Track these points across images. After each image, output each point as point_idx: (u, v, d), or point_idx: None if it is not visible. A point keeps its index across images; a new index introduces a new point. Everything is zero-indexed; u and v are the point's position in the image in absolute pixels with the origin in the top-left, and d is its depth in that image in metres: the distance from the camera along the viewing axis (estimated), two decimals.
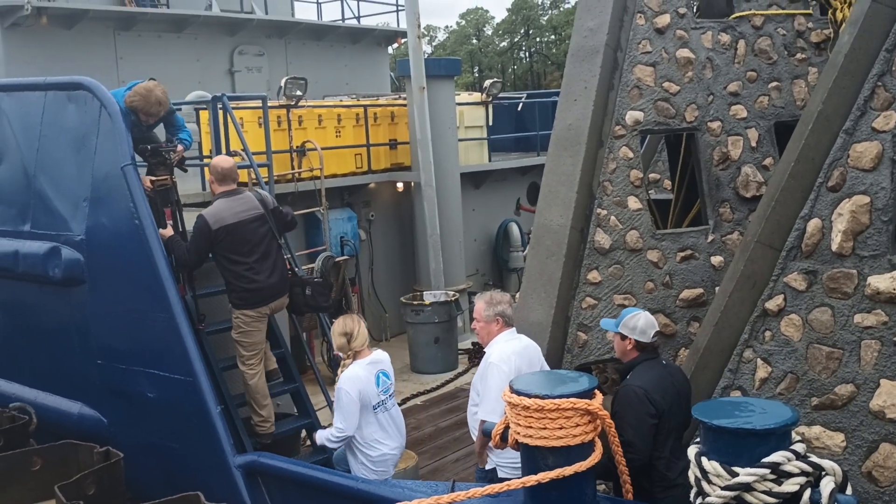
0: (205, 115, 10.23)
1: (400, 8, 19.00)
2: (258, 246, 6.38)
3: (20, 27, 12.94)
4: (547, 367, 5.64)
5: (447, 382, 11.07)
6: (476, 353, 12.06)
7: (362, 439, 5.73)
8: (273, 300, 6.49)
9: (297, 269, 6.98)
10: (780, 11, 6.82)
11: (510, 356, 5.27)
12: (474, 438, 5.34)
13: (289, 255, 7.06)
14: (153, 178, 6.47)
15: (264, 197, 6.64)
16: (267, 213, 6.51)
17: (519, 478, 5.12)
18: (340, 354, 5.86)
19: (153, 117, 6.66)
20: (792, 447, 3.60)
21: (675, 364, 5.68)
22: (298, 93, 11.52)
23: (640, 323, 5.11)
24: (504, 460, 5.17)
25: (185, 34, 14.82)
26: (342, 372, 5.77)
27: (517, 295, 6.97)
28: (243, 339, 6.44)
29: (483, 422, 5.16)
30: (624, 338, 5.16)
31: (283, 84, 11.54)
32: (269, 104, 9.88)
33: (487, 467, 5.31)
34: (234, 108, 8.33)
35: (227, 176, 6.52)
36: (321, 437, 5.84)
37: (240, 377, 6.56)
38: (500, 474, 5.18)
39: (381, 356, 5.96)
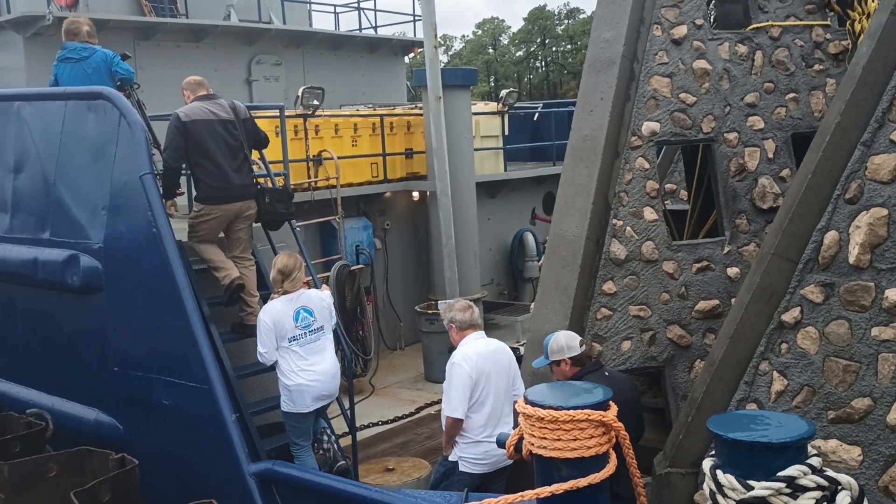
0: None
1: (417, 18, 19.07)
2: (225, 147, 6.63)
3: (41, 37, 13.06)
4: (518, 371, 5.89)
5: None
6: None
7: (279, 371, 6.24)
8: (236, 201, 6.72)
9: (260, 183, 7.13)
10: (798, 22, 6.81)
11: (471, 356, 5.59)
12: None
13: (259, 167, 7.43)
14: None
15: (237, 106, 6.89)
16: (238, 121, 6.76)
17: (476, 473, 5.50)
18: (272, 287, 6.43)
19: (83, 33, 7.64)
20: (808, 461, 3.56)
21: (620, 374, 5.83)
22: (315, 102, 11.56)
23: (561, 341, 5.34)
24: (467, 455, 5.58)
25: (203, 44, 14.93)
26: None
27: (532, 305, 6.96)
28: (195, 228, 6.73)
29: (453, 453, 5.64)
30: (558, 363, 5.36)
31: (300, 93, 11.59)
32: (286, 113, 9.93)
33: (451, 458, 5.68)
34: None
35: (199, 85, 6.85)
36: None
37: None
38: (461, 467, 5.60)
39: (308, 294, 6.37)
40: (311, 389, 6.24)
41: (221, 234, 6.92)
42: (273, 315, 6.21)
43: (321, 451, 6.68)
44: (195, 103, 6.72)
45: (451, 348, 6.05)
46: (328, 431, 6.76)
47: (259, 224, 7.21)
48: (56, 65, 7.76)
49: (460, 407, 5.48)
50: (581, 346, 5.36)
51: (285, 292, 6.33)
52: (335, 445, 6.73)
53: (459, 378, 5.51)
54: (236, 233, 6.88)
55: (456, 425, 5.57)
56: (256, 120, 7.50)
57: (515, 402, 5.71)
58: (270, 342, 6.21)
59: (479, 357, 5.58)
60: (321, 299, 6.48)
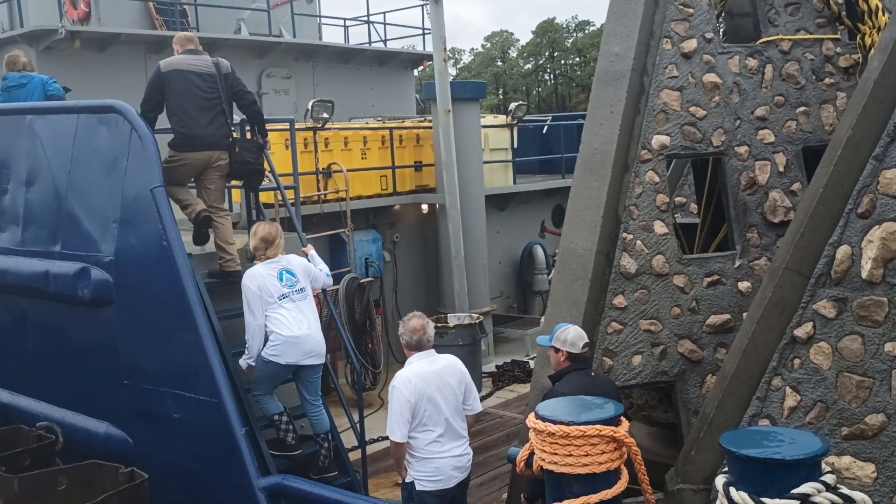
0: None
1: (426, 31, 19.14)
2: (200, 98, 6.86)
3: (54, 50, 13.18)
4: (472, 386, 5.85)
5: None
6: (500, 377, 12.02)
7: (273, 325, 6.36)
8: (207, 149, 6.92)
9: (235, 136, 7.29)
10: (808, 36, 6.80)
11: (411, 378, 5.56)
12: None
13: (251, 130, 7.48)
14: None
15: (220, 61, 7.13)
16: (219, 76, 6.98)
17: (433, 491, 5.55)
18: (254, 253, 6.63)
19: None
20: (822, 478, 3.54)
21: (603, 375, 5.94)
22: (325, 115, 11.60)
23: (570, 335, 5.54)
24: (420, 474, 5.60)
25: (214, 57, 15.00)
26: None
27: (542, 319, 6.94)
28: (167, 172, 6.73)
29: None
30: (557, 350, 5.58)
31: (310, 106, 11.64)
32: (296, 126, 9.96)
33: (407, 480, 5.68)
34: None
35: (188, 40, 7.16)
36: (244, 358, 6.50)
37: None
38: (418, 487, 5.59)
39: (287, 258, 6.60)
40: (304, 344, 6.39)
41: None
42: (257, 279, 6.36)
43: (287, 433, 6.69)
44: (180, 55, 7.01)
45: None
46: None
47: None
48: (0, 94, 8.60)
49: (398, 430, 5.50)
50: (583, 348, 5.55)
51: (267, 259, 6.49)
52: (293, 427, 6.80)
53: (398, 402, 5.52)
54: (206, 183, 7.05)
55: (398, 448, 5.59)
56: (268, 132, 7.59)
57: (468, 415, 5.77)
58: (258, 308, 6.34)
59: (418, 379, 5.54)
60: (300, 261, 6.68)
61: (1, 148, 7.93)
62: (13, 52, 8.96)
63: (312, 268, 6.77)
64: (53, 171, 7.38)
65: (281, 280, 6.42)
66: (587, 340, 5.59)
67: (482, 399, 11.24)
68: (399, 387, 5.54)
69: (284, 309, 6.38)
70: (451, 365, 5.77)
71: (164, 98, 6.85)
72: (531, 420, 4.19)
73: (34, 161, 7.57)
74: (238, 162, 7.07)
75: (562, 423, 4.01)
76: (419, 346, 5.74)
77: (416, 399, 5.49)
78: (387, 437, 9.42)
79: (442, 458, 5.57)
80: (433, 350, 5.80)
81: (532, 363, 11.31)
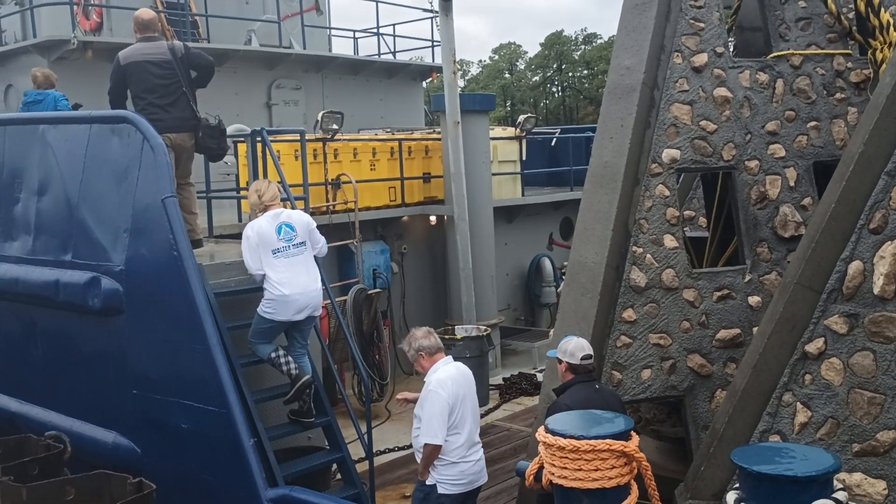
0: (242, 147, 10.36)
1: (435, 43, 19.20)
2: (158, 85, 7.15)
3: (66, 60, 13.25)
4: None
5: None
6: (507, 389, 11.99)
7: (267, 282, 6.44)
8: (172, 131, 7.15)
9: (200, 118, 7.47)
10: (819, 51, 6.80)
11: (447, 381, 5.69)
12: (418, 460, 5.81)
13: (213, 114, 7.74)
14: None
15: (175, 46, 7.37)
16: (175, 60, 7.22)
17: (454, 494, 5.62)
18: (254, 209, 6.75)
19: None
20: (834, 495, 3.53)
21: (608, 389, 5.92)
22: (335, 126, 11.63)
23: (570, 346, 5.60)
24: (445, 478, 5.66)
25: (224, 68, 15.05)
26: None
27: (551, 331, 6.93)
28: None
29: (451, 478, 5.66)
30: (560, 361, 5.63)
31: (319, 118, 11.66)
32: (305, 137, 9.98)
33: (428, 482, 5.72)
34: (271, 141, 8.44)
35: (146, 26, 7.38)
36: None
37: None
38: (440, 489, 5.66)
39: (288, 212, 6.77)
40: (296, 302, 6.45)
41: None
42: (257, 229, 6.48)
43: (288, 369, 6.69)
44: (136, 45, 7.32)
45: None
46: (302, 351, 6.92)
47: None
48: (21, 108, 9.15)
49: (440, 433, 5.59)
50: (583, 360, 5.55)
51: (265, 209, 6.60)
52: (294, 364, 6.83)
53: (438, 405, 5.61)
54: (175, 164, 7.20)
55: (435, 451, 5.65)
56: (275, 144, 7.64)
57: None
58: (256, 258, 6.44)
59: (453, 382, 5.71)
60: (301, 216, 6.76)
61: (13, 157, 7.97)
62: (35, 70, 9.41)
63: (312, 223, 6.83)
64: (65, 180, 7.41)
65: (279, 234, 6.49)
66: (588, 352, 5.59)
67: (489, 412, 11.24)
68: (437, 390, 5.65)
69: (277, 265, 6.43)
70: (467, 371, 5.97)
71: (126, 88, 7.19)
72: (541, 434, 4.18)
73: (46, 170, 7.60)
74: (201, 147, 7.36)
75: (572, 437, 4.00)
76: (440, 349, 5.91)
77: (453, 401, 5.64)
78: (394, 449, 9.52)
79: (467, 462, 5.71)
80: (450, 356, 5.97)
81: (539, 376, 11.28)
